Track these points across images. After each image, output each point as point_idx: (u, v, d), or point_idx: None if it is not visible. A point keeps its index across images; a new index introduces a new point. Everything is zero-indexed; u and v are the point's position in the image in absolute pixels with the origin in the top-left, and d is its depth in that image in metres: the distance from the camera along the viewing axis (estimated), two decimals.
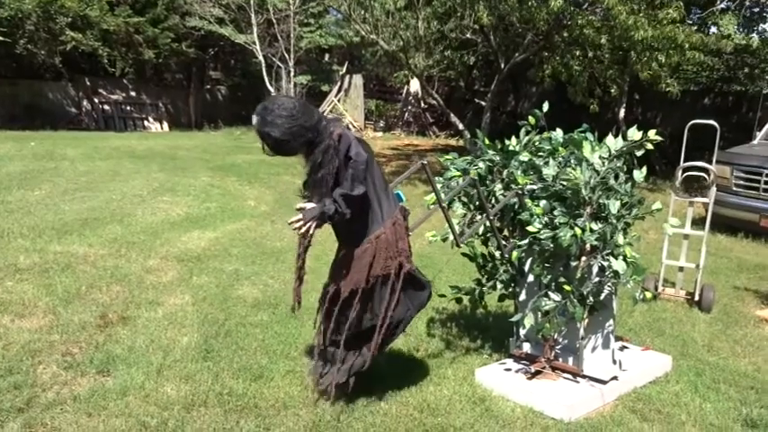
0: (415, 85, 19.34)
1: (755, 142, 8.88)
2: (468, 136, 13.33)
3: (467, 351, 4.02)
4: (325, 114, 3.18)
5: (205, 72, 20.90)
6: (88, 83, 17.82)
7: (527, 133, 3.76)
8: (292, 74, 14.74)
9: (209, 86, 21.06)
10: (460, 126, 14.06)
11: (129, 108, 18.47)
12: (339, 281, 3.18)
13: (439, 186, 3.57)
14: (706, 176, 5.19)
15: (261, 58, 14.75)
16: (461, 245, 3.52)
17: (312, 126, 2.96)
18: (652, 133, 3.42)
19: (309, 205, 2.94)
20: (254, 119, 2.96)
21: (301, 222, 2.91)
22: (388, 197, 3.14)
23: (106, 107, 18.05)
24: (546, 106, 3.70)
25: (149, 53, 16.85)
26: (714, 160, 5.24)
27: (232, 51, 20.90)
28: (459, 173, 3.71)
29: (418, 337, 4.16)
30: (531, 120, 3.71)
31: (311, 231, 2.95)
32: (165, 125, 18.66)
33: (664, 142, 3.57)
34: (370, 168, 3.03)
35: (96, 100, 17.88)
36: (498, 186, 3.68)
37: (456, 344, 4.11)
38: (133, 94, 18.76)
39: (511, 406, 3.34)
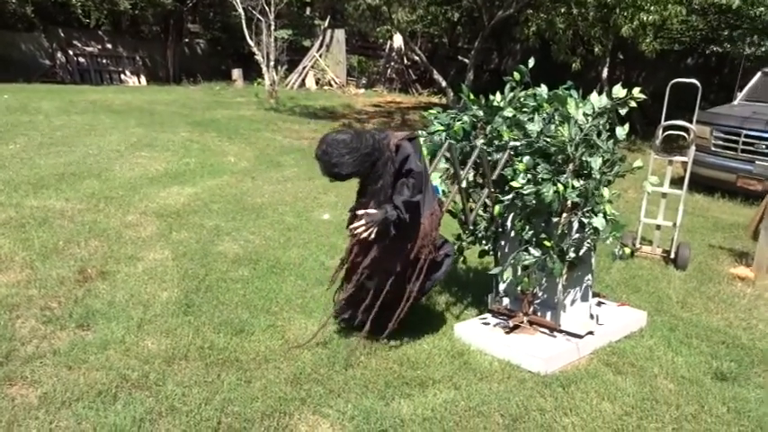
0: (398, 41, 19.05)
1: (735, 103, 8.93)
2: (452, 93, 13.23)
3: (446, 306, 4.06)
4: (374, 130, 3.37)
5: (183, 24, 20.35)
6: (62, 34, 17.30)
7: (512, 89, 3.73)
8: (273, 27, 14.38)
9: (187, 40, 20.54)
10: (443, 83, 13.95)
11: (105, 61, 18.00)
12: (375, 263, 3.29)
13: (421, 141, 3.55)
14: (686, 136, 5.22)
15: (240, 10, 14.34)
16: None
17: (371, 149, 3.12)
18: (636, 91, 3.41)
19: (372, 211, 3.13)
20: (319, 165, 3.12)
21: (364, 228, 3.10)
22: (428, 189, 3.31)
23: (81, 60, 17.57)
24: (531, 62, 3.66)
25: (125, 3, 16.35)
26: (694, 120, 5.26)
27: (211, 3, 20.37)
28: (442, 127, 3.68)
29: None
30: (516, 75, 3.68)
31: (373, 236, 3.12)
32: (143, 79, 18.25)
33: (646, 101, 3.57)
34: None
35: (71, 52, 17.38)
36: (480, 142, 3.66)
37: (436, 299, 4.15)
38: (109, 46, 18.26)
39: (489, 359, 3.41)
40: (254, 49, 14.73)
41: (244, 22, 14.51)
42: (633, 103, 3.46)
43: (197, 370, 3.12)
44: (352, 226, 3.19)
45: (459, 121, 3.67)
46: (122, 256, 4.48)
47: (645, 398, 3.13)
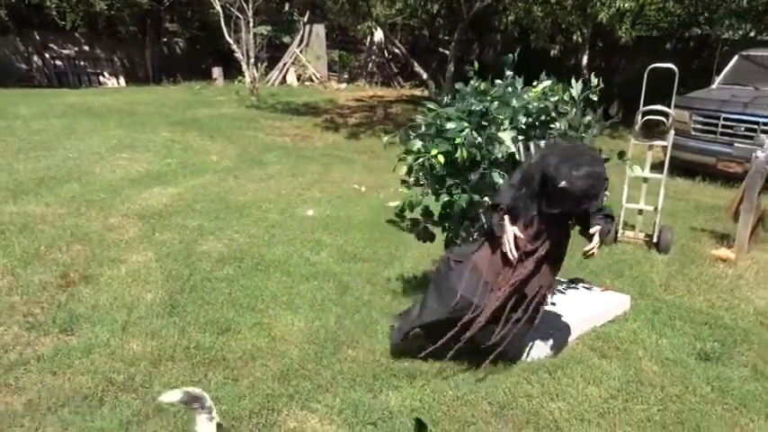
0: (378, 35, 18.98)
1: (713, 87, 9.00)
2: (434, 86, 13.25)
3: None
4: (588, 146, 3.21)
5: (161, 24, 20.12)
6: (38, 37, 17.03)
7: (480, 79, 3.62)
8: (252, 24, 14.26)
9: (165, 39, 20.31)
10: (425, 76, 13.96)
11: (82, 63, 17.76)
12: (531, 282, 3.02)
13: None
14: (665, 120, 5.25)
15: (218, 8, 14.19)
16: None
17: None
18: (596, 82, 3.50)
19: (596, 227, 2.91)
20: (578, 197, 2.82)
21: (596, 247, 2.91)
22: None
23: (58, 62, 17.32)
24: (517, 52, 3.57)
25: (101, 4, 16.13)
26: (673, 104, 5.29)
27: (188, 2, 20.15)
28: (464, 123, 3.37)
29: (384, 286, 4.20)
30: (476, 66, 3.58)
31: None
32: (122, 80, 18.04)
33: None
34: None
35: (47, 55, 17.13)
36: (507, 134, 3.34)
37: (422, 291, 4.15)
38: (86, 48, 18.01)
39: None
40: (234, 47, 14.62)
41: (222, 19, 14.38)
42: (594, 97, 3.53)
43: (183, 370, 3.11)
44: (588, 248, 2.92)
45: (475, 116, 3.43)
46: (105, 259, 4.44)
47: (630, 380, 3.17)
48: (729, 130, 7.75)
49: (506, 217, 2.97)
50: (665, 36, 16.49)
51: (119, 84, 17.90)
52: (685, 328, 3.77)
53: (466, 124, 3.33)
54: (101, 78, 17.87)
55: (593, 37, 13.48)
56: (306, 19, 18.71)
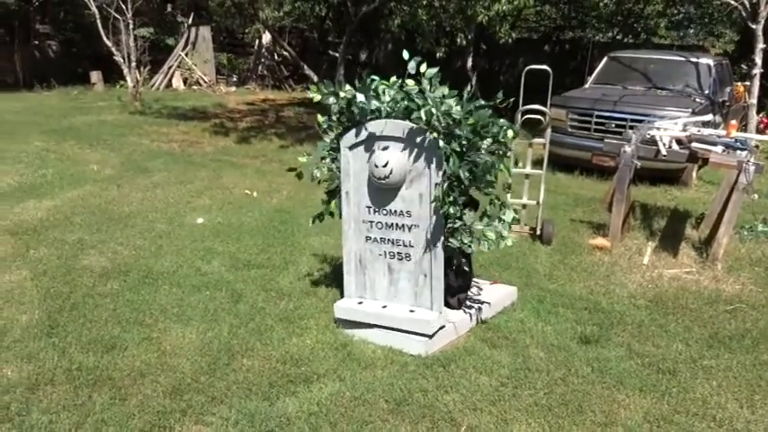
0: (267, 38, 18.72)
1: (587, 86, 9.61)
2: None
3: (328, 300, 4.06)
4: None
5: (31, 26, 18.79)
6: None
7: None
8: (131, 26, 13.63)
9: (37, 42, 18.99)
10: (315, 78, 13.94)
11: None
12: None
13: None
14: (543, 119, 5.54)
15: (94, 8, 13.47)
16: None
17: None
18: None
19: None
20: None
21: None
22: None
23: None
24: (407, 55, 3.57)
25: None
26: (549, 103, 5.59)
27: (61, 2, 18.96)
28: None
29: (279, 292, 4.15)
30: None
31: None
32: None
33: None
34: None
35: None
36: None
37: (318, 294, 4.14)
38: None
39: (372, 348, 3.46)
40: (113, 50, 13.91)
41: (99, 21, 13.64)
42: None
43: (65, 394, 2.92)
44: None
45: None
46: None
47: (518, 368, 3.32)
48: (602, 127, 8.29)
49: None
50: (543, 38, 17.44)
51: None
52: (567, 315, 4.00)
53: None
54: None
55: (476, 40, 14.01)
56: (190, 21, 18.12)
